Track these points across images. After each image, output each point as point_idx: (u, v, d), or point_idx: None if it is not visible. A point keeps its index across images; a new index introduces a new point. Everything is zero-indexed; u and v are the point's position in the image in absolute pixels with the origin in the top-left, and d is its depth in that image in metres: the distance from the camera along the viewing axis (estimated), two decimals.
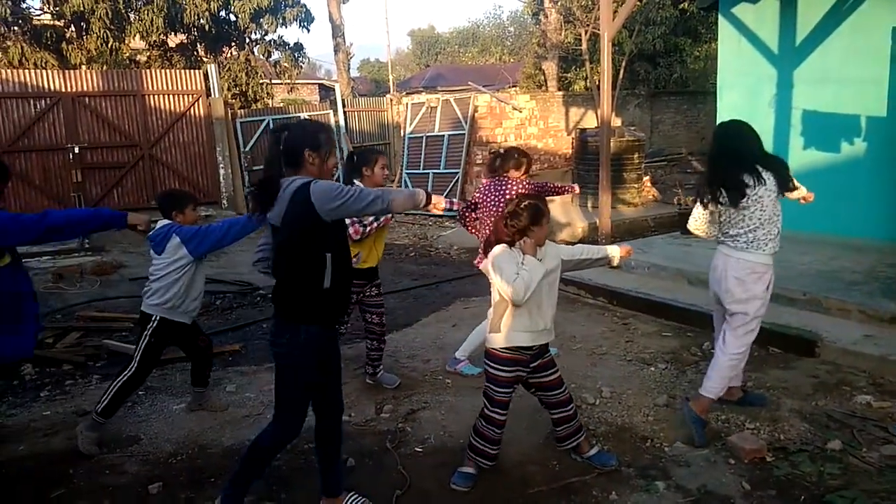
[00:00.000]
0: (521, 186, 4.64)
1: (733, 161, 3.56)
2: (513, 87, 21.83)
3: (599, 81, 8.07)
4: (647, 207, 11.25)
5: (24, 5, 14.76)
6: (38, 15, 15.17)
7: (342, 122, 14.72)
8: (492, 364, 3.24)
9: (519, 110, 13.10)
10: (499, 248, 3.15)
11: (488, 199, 4.64)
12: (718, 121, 8.55)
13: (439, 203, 2.93)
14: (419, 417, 4.09)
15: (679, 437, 3.67)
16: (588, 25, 15.50)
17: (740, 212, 3.54)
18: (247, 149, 13.81)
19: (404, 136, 13.85)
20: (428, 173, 13.08)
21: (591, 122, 14.31)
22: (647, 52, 16.90)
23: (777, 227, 3.62)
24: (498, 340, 3.19)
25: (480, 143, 12.49)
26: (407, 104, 14.09)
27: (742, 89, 8.27)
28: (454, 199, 3.60)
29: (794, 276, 5.83)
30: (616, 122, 12.37)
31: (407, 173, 13.43)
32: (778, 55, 7.87)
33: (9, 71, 12.44)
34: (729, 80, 8.48)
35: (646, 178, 12.14)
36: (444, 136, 13.02)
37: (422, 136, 13.38)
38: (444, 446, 3.71)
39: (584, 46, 16.12)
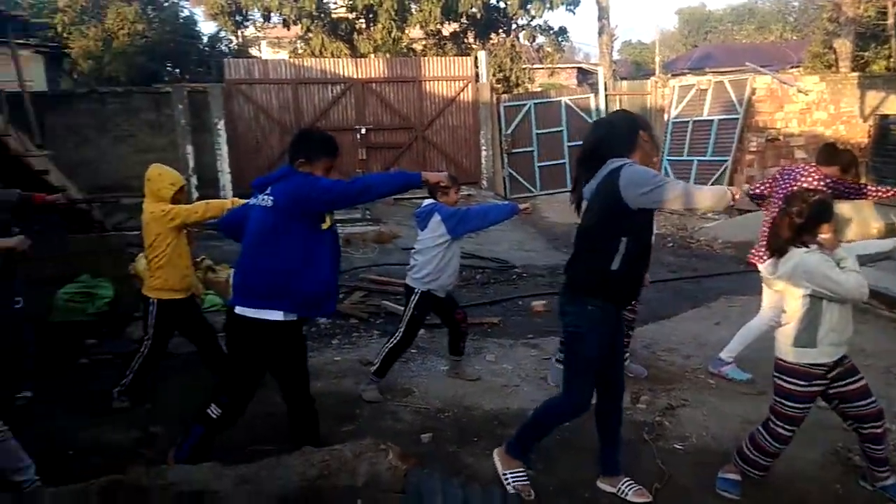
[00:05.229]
0: (811, 178, 4.20)
1: None
2: (794, 67, 19.59)
3: None
4: None
5: (325, 0, 16.77)
6: (337, 8, 17.16)
7: (602, 107, 14.51)
8: (785, 378, 2.93)
9: (805, 93, 11.78)
10: (801, 254, 2.84)
11: (777, 190, 4.28)
12: None
13: (737, 194, 2.78)
14: (678, 414, 3.95)
15: None
16: None
17: None
18: (508, 132, 14.29)
19: (668, 120, 13.24)
20: (692, 161, 12.38)
21: (893, 107, 12.34)
22: None
23: None
24: (797, 355, 2.89)
25: (756, 129, 11.49)
26: (674, 87, 13.43)
27: None
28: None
29: None
30: None
31: (668, 160, 12.84)
32: None
33: (312, 59, 14.31)
34: None
35: None
36: (713, 120, 12.20)
37: (688, 121, 12.68)
38: (707, 447, 3.55)
39: (890, 21, 13.90)
